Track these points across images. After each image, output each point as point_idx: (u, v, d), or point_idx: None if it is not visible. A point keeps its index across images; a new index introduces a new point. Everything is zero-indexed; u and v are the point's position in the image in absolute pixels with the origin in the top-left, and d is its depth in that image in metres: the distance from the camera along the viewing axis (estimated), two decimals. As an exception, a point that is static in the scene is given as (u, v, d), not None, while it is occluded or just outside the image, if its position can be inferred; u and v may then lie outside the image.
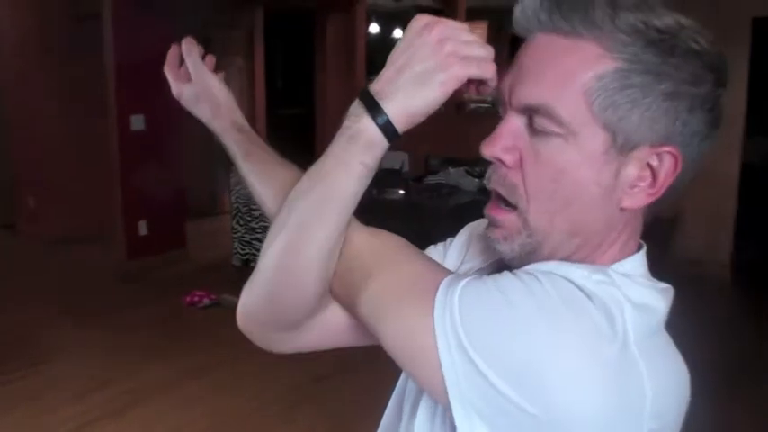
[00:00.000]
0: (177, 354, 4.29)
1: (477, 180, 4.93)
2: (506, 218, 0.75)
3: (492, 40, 9.76)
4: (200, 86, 1.10)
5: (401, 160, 5.78)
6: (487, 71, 0.72)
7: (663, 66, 0.67)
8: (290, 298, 0.82)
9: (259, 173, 1.02)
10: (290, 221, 0.78)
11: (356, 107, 0.75)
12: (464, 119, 6.41)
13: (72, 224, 6.70)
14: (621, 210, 0.73)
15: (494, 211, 0.77)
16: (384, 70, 0.74)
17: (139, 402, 3.72)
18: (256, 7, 7.09)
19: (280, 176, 0.97)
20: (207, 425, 3.54)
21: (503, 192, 0.75)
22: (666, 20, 0.68)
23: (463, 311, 0.66)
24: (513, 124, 0.74)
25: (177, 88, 1.12)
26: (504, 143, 0.74)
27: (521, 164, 0.73)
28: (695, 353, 0.88)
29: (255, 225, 5.37)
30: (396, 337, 0.72)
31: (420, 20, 0.74)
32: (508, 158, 0.74)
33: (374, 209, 4.99)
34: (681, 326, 0.83)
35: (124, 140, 5.70)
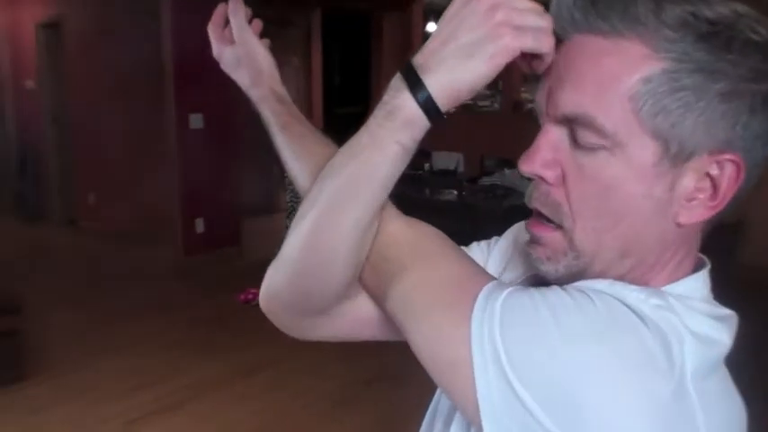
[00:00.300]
0: (229, 351, 4.32)
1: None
2: (550, 236, 0.69)
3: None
4: (243, 50, 1.04)
5: (456, 160, 5.73)
6: (544, 44, 0.64)
7: (717, 63, 0.59)
8: (315, 280, 0.77)
9: (295, 147, 0.96)
10: (320, 199, 0.73)
11: (397, 80, 0.68)
12: (521, 118, 6.31)
13: (131, 221, 6.84)
14: (678, 225, 0.65)
15: (536, 228, 0.71)
16: (428, 41, 0.67)
17: (191, 399, 3.75)
18: (314, 7, 7.13)
19: (316, 152, 0.90)
20: (256, 423, 3.55)
21: (545, 211, 0.68)
22: (720, 9, 0.60)
23: (504, 325, 0.59)
24: (553, 136, 0.67)
25: (218, 49, 1.07)
26: (544, 158, 0.67)
27: (563, 180, 0.66)
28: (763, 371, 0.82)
29: (309, 223, 5.39)
30: (426, 341, 0.66)
31: None
32: (549, 174, 0.67)
33: (427, 209, 4.98)
34: (747, 342, 0.76)
35: (183, 139, 5.79)
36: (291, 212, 5.55)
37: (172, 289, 5.56)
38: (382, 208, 0.76)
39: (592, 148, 0.63)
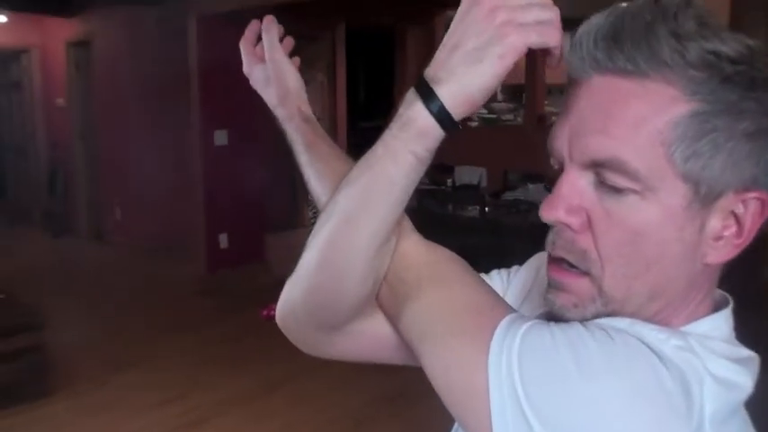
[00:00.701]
0: (253, 366, 4.34)
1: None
2: (576, 282, 0.66)
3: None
4: (273, 69, 1.04)
5: (479, 175, 5.71)
6: (550, 37, 0.63)
7: (743, 102, 0.59)
8: (330, 295, 0.76)
9: (318, 166, 0.96)
10: (335, 211, 0.72)
11: (411, 93, 0.67)
12: (544, 132, 6.24)
13: (156, 236, 6.90)
14: (705, 266, 0.64)
15: (558, 274, 0.67)
16: (437, 53, 0.67)
17: (215, 415, 3.76)
18: (338, 22, 7.18)
19: (339, 172, 0.86)
20: (281, 439, 3.55)
21: (570, 258, 0.66)
22: (734, 46, 0.60)
23: (524, 361, 0.58)
24: (577, 181, 0.64)
25: (248, 66, 1.08)
26: (569, 204, 0.64)
27: (589, 226, 0.64)
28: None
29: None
30: (442, 368, 0.65)
31: None
32: (574, 221, 0.65)
33: (451, 225, 4.96)
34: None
35: (207, 155, 5.84)
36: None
37: (196, 304, 5.59)
38: (400, 225, 0.75)
39: (621, 192, 0.62)
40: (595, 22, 0.64)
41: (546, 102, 6.71)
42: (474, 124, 7.58)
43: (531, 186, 5.23)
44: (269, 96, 1.06)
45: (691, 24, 0.60)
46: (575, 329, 0.60)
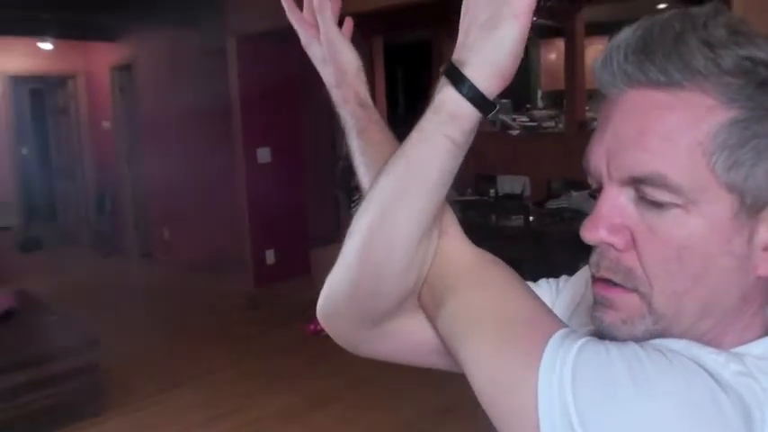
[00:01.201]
0: (302, 382, 4.36)
1: (602, 203, 4.74)
2: (624, 298, 0.63)
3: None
4: (328, 49, 0.97)
5: (522, 184, 5.67)
6: None
7: None
8: (371, 286, 0.74)
9: (369, 155, 0.92)
10: (374, 199, 0.71)
11: (441, 80, 0.67)
12: (586, 138, 6.17)
13: (203, 253, 7.00)
14: (758, 278, 0.61)
15: (605, 290, 0.65)
16: (459, 36, 0.66)
17: (266, 430, 3.78)
18: (375, 37, 7.22)
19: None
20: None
21: (617, 278, 0.63)
22: None
23: (577, 379, 0.55)
24: (617, 199, 0.62)
25: (306, 40, 1.00)
26: (610, 223, 0.62)
27: (633, 244, 0.62)
28: None
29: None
30: (486, 378, 0.63)
31: None
32: (618, 240, 0.62)
33: (495, 236, 4.93)
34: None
35: (251, 173, 5.90)
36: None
37: (244, 320, 5.65)
38: (443, 221, 0.74)
39: (663, 207, 0.60)
40: (624, 36, 0.62)
41: (587, 107, 6.64)
42: (515, 132, 7.54)
43: (574, 194, 5.17)
44: (326, 75, 1.00)
45: (721, 32, 0.59)
46: (631, 349, 0.57)
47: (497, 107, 0.65)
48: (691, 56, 0.58)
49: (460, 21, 0.66)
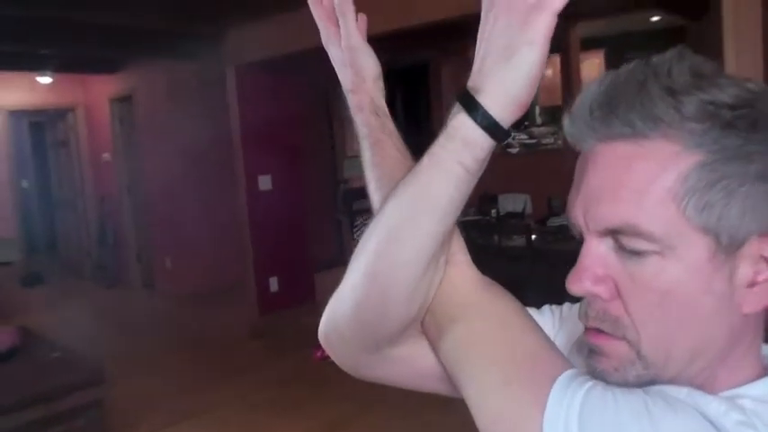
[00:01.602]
0: (310, 410, 4.32)
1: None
2: (613, 346, 0.64)
3: (610, 67, 9.53)
4: (348, 56, 0.95)
5: (523, 202, 5.67)
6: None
7: (748, 145, 0.58)
8: (375, 310, 0.73)
9: (380, 169, 0.90)
10: (381, 223, 0.70)
11: (455, 106, 0.66)
12: (587, 156, 6.19)
13: (206, 282, 6.99)
14: (745, 316, 0.62)
15: (596, 339, 0.66)
16: (474, 62, 0.65)
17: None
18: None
19: (396, 179, 0.81)
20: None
21: (605, 327, 0.64)
22: (733, 91, 0.59)
23: (584, 424, 0.56)
24: (598, 250, 0.64)
25: (326, 40, 0.96)
26: (594, 274, 0.64)
27: (618, 293, 0.63)
28: None
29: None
30: (489, 414, 0.64)
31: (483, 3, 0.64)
32: (602, 290, 0.63)
33: (497, 255, 4.91)
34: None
35: (253, 201, 5.91)
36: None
37: (249, 349, 5.62)
38: (451, 250, 0.74)
39: (641, 255, 0.61)
40: (590, 91, 0.64)
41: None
42: (514, 150, 7.55)
43: (576, 211, 5.17)
44: (344, 79, 0.97)
45: (685, 78, 0.60)
46: (636, 396, 0.58)
47: (512, 135, 0.65)
48: (653, 105, 0.59)
49: (476, 47, 0.65)
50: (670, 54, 0.62)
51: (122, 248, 8.46)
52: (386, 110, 0.96)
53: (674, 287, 0.60)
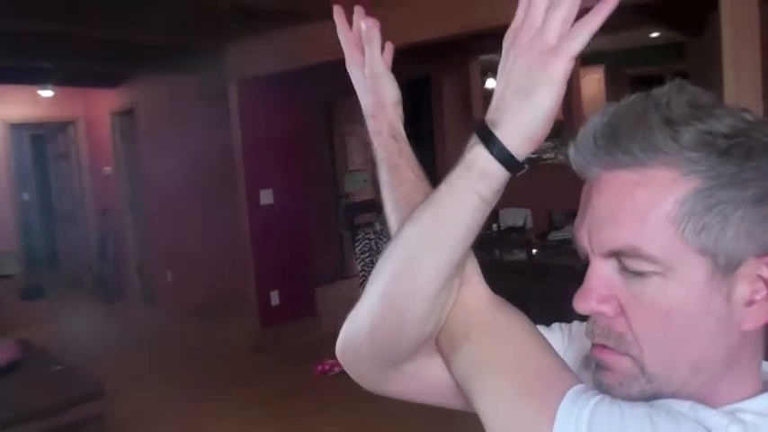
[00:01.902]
0: (311, 424, 4.31)
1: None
2: (618, 361, 0.68)
3: (610, 82, 9.56)
4: (371, 82, 0.99)
5: (523, 216, 5.67)
6: (586, 31, 0.63)
7: (743, 172, 0.62)
8: (391, 331, 0.77)
9: (397, 194, 0.94)
10: (399, 246, 0.74)
11: (473, 137, 0.69)
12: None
13: (207, 296, 6.98)
14: (744, 333, 0.65)
15: (601, 354, 0.69)
16: (493, 97, 0.69)
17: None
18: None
19: (415, 204, 0.84)
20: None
21: (609, 343, 0.68)
22: (729, 121, 0.63)
23: None
24: (603, 271, 0.67)
25: (350, 63, 1.00)
26: (599, 294, 0.67)
27: (622, 311, 0.67)
28: None
29: (381, 291, 5.37)
30: (502, 429, 0.68)
31: (506, 36, 0.68)
32: (607, 309, 0.67)
33: (499, 270, 4.91)
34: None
35: (254, 215, 5.91)
36: (363, 282, 5.54)
37: (250, 363, 5.60)
38: (466, 270, 0.77)
39: (644, 276, 0.64)
40: (593, 122, 0.68)
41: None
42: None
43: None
44: (365, 103, 1.01)
45: (684, 109, 0.64)
46: (642, 409, 0.61)
47: (526, 168, 0.68)
48: (652, 135, 0.63)
49: (496, 82, 0.69)
50: (669, 87, 0.66)
51: (123, 262, 8.46)
52: (404, 135, 0.99)
53: (674, 306, 0.64)
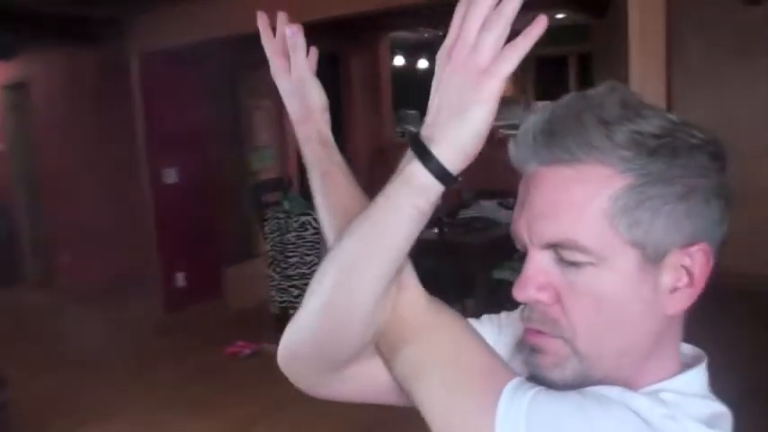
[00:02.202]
0: (222, 408, 4.24)
1: (511, 211, 4.85)
2: (552, 344, 0.72)
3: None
4: (297, 87, 1.03)
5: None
6: (516, 53, 0.66)
7: (671, 170, 0.67)
8: (333, 337, 0.80)
9: (331, 199, 0.98)
10: (338, 259, 0.76)
11: (409, 151, 0.72)
12: (492, 147, 6.28)
13: (109, 278, 6.74)
14: (669, 318, 0.71)
15: (535, 338, 0.74)
16: (427, 115, 0.72)
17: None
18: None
19: (350, 211, 0.91)
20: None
21: (545, 329, 0.72)
22: (656, 122, 0.68)
23: (531, 426, 0.63)
24: (541, 261, 0.72)
25: (275, 71, 1.03)
26: (537, 282, 0.72)
27: (558, 298, 0.71)
28: None
29: (292, 272, 5.33)
30: (443, 424, 0.71)
31: (440, 52, 0.71)
32: (545, 297, 0.72)
33: (411, 249, 4.93)
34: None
35: (158, 194, 5.77)
36: (273, 262, 5.47)
37: (157, 346, 5.47)
38: (401, 273, 0.80)
39: (579, 266, 0.69)
40: (533, 120, 0.72)
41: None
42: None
43: (483, 203, 5.26)
44: (291, 109, 1.04)
45: (615, 109, 0.69)
46: (574, 398, 0.66)
47: (460, 180, 0.71)
48: (588, 134, 0.68)
49: (430, 98, 0.72)
50: (602, 88, 0.71)
51: (18, 243, 8.08)
52: (332, 140, 1.03)
53: (607, 293, 0.69)
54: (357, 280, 0.75)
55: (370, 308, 0.77)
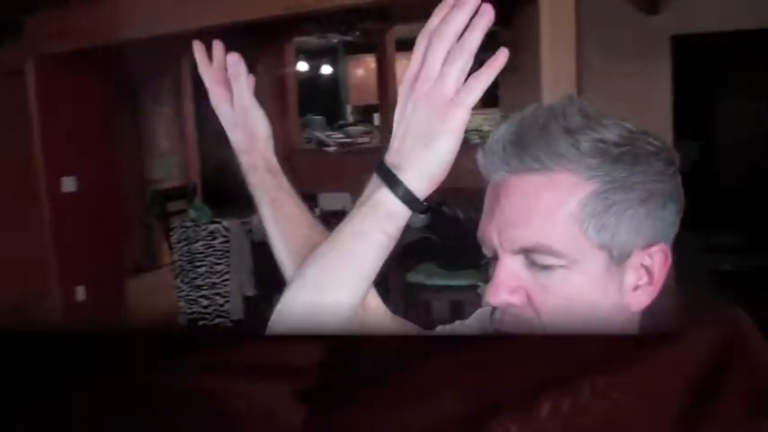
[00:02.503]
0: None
1: (422, 216, 4.88)
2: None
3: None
4: (240, 116, 1.03)
5: (343, 203, 5.72)
6: (483, 82, 0.71)
7: (632, 176, 0.72)
8: None
9: (282, 226, 1.00)
10: (306, 287, 0.78)
11: (375, 178, 0.76)
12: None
13: (1, 294, 6.41)
14: (632, 314, 0.76)
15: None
16: (392, 141, 0.76)
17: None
18: (181, 56, 7.03)
19: (301, 236, 0.95)
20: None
21: (518, 330, 0.76)
22: (616, 130, 0.72)
23: None
24: (512, 266, 0.75)
25: (215, 100, 1.03)
26: (509, 286, 0.75)
27: (530, 300, 0.74)
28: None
29: (201, 282, 5.21)
30: None
31: (403, 82, 0.75)
32: (517, 299, 0.75)
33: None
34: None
35: (55, 204, 5.51)
36: (181, 272, 5.32)
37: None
38: (365, 296, 0.82)
39: (551, 269, 0.73)
40: (501, 130, 0.75)
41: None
42: (332, 149, 7.61)
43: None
44: (235, 139, 1.03)
45: (577, 119, 0.72)
46: None
47: (426, 206, 0.75)
48: (555, 143, 0.71)
49: (394, 126, 0.75)
50: (563, 100, 0.75)
51: None
52: (278, 168, 1.04)
53: (577, 294, 0.73)
54: (326, 306, 0.77)
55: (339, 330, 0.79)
